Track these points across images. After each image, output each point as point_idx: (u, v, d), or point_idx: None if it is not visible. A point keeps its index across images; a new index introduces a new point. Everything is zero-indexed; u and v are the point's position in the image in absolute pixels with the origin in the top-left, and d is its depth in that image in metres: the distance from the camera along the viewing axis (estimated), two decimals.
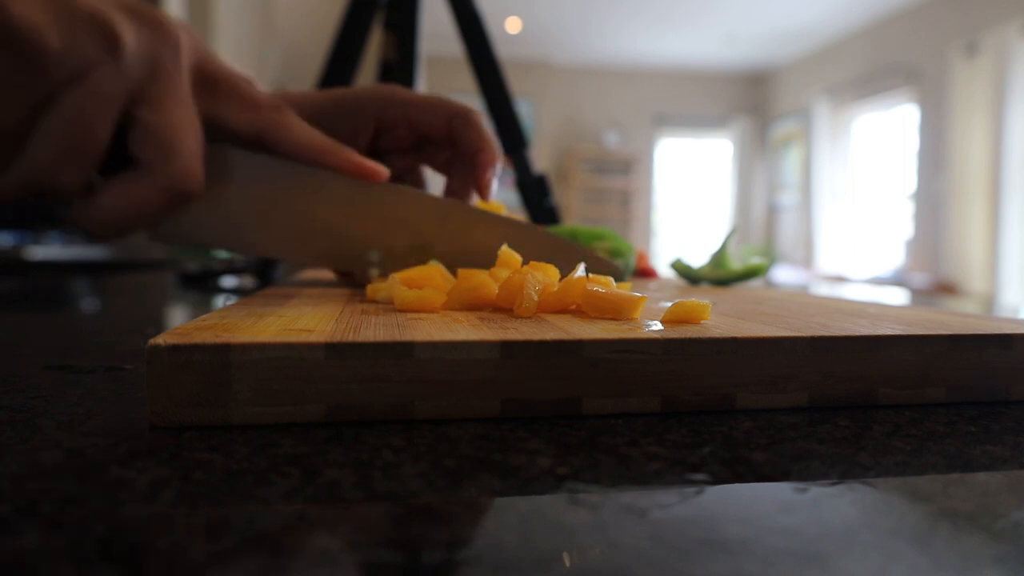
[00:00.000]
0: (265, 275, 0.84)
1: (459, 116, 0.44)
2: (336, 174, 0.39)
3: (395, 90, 0.45)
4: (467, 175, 0.46)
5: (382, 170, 0.39)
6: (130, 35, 0.30)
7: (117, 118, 0.31)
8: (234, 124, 0.36)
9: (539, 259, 0.40)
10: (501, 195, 4.77)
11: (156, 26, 0.31)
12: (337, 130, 0.44)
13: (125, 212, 0.32)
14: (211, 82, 0.35)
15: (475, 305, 0.30)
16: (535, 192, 0.91)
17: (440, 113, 0.45)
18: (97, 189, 0.32)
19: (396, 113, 0.44)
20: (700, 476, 0.17)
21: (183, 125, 0.32)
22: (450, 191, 0.46)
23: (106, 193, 0.32)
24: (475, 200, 0.47)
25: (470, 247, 0.42)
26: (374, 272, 0.41)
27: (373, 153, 0.46)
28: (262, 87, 0.38)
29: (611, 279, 0.30)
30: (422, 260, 0.41)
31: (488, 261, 0.40)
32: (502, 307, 0.30)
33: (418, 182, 0.48)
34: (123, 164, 0.32)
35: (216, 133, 0.37)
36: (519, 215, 0.50)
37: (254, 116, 0.37)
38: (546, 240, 0.44)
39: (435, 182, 0.50)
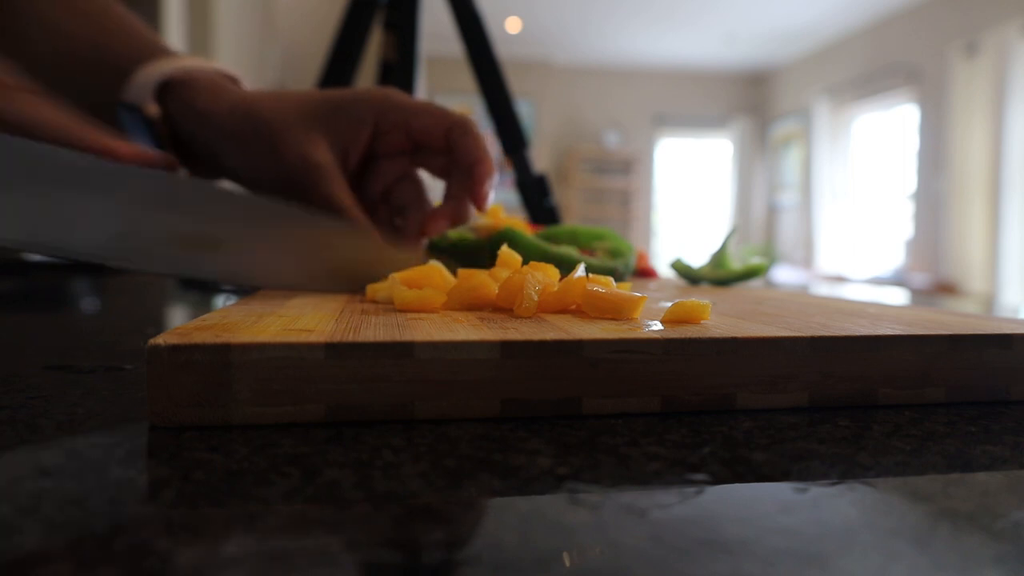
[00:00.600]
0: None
1: (457, 126, 0.44)
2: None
3: (394, 94, 0.45)
4: (464, 181, 0.45)
5: (136, 149, 0.36)
6: None
7: None
8: None
9: (346, 259, 0.38)
10: (501, 195, 4.77)
11: None
12: (334, 131, 0.44)
13: None
14: None
15: (475, 305, 0.30)
16: (535, 192, 0.91)
17: (438, 121, 0.44)
18: None
19: (394, 118, 0.44)
20: (700, 476, 0.17)
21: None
22: (449, 196, 0.46)
23: None
24: (473, 212, 0.46)
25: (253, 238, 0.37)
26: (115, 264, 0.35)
27: (368, 156, 0.46)
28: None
29: (610, 279, 0.30)
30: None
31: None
32: (502, 307, 0.30)
33: (415, 187, 0.48)
34: None
35: None
36: (519, 216, 0.49)
37: None
38: (347, 240, 0.40)
39: (433, 187, 0.50)
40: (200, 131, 0.45)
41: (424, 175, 0.48)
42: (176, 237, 0.35)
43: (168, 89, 0.45)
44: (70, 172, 0.33)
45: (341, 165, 0.45)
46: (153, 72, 0.44)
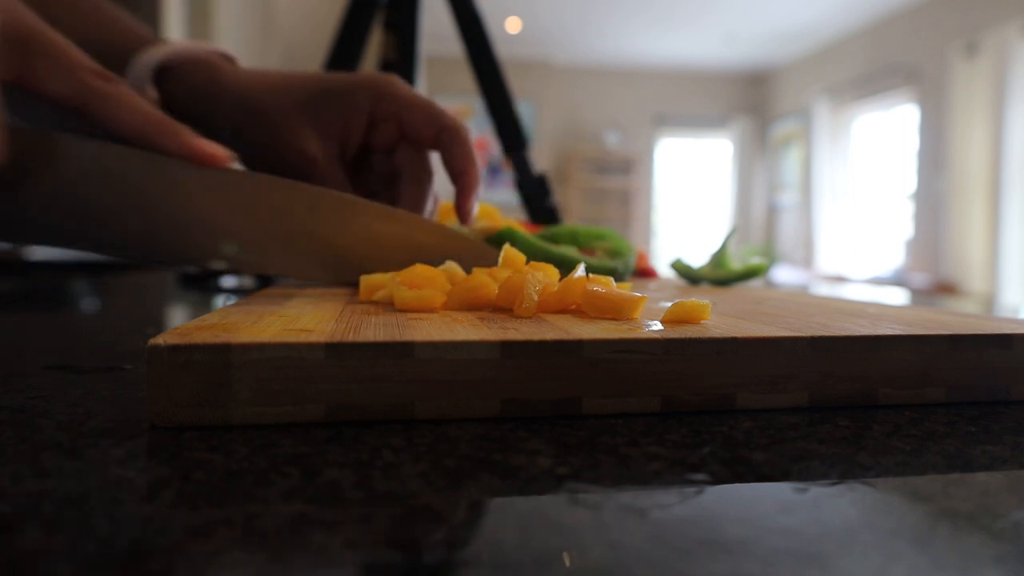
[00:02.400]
0: (265, 275, 0.84)
1: (448, 131, 0.44)
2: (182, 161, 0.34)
3: (391, 83, 0.44)
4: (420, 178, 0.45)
5: (223, 153, 0.35)
6: None
7: None
8: (51, 89, 0.32)
9: (434, 254, 0.39)
10: (501, 195, 4.77)
11: None
12: (331, 119, 0.44)
13: None
14: (21, 39, 0.31)
15: (475, 305, 0.30)
16: (535, 192, 0.91)
17: (431, 120, 0.44)
18: None
19: (388, 108, 0.44)
20: (700, 476, 0.17)
21: None
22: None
23: None
24: (454, 222, 0.46)
25: (351, 237, 0.39)
26: (220, 264, 0.37)
27: (364, 147, 0.46)
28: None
29: (610, 279, 0.30)
30: (292, 251, 0.37)
31: (371, 253, 0.38)
32: (502, 307, 0.30)
33: (424, 171, 0.46)
34: None
35: (29, 101, 0.33)
36: (517, 217, 0.49)
37: (75, 82, 0.32)
38: (441, 233, 0.41)
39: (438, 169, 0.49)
40: (200, 114, 0.45)
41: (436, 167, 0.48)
42: (277, 235, 0.37)
43: (167, 73, 0.45)
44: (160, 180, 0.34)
45: (339, 153, 0.44)
46: (151, 56, 0.44)
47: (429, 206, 0.46)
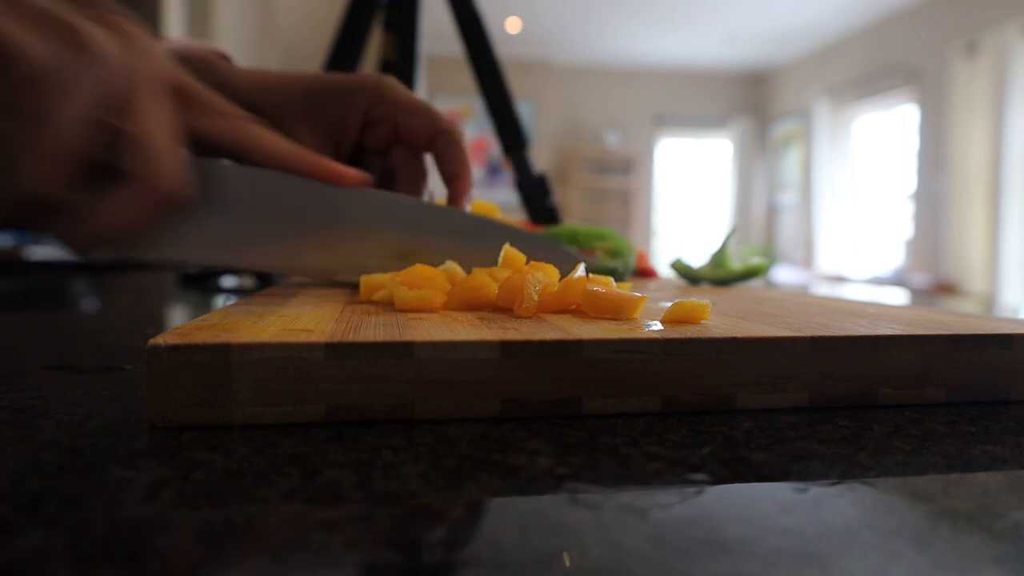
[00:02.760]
0: (265, 276, 0.84)
1: (444, 134, 0.44)
2: (320, 182, 0.38)
3: (388, 85, 0.44)
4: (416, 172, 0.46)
5: (359, 175, 0.39)
6: (104, 43, 0.29)
7: (93, 126, 0.30)
8: (213, 134, 0.37)
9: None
10: (501, 195, 4.77)
11: (130, 38, 0.31)
12: (327, 119, 0.44)
13: (112, 223, 0.31)
14: (186, 96, 0.36)
15: (475, 305, 0.30)
16: (535, 192, 0.91)
17: (427, 124, 0.44)
18: (82, 203, 0.31)
19: (384, 111, 0.44)
20: (700, 476, 0.17)
21: (165, 131, 0.32)
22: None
23: (93, 206, 0.31)
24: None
25: (466, 253, 0.41)
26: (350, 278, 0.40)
27: (358, 147, 0.46)
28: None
29: (610, 279, 0.30)
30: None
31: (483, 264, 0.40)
32: (502, 307, 0.30)
33: (419, 172, 0.47)
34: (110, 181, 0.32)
35: (194, 147, 0.37)
36: (517, 217, 0.49)
37: (230, 125, 0.37)
38: (541, 245, 0.43)
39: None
40: None
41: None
42: (397, 252, 0.40)
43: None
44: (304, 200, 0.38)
45: (334, 152, 0.44)
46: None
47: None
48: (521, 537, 0.14)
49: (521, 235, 0.43)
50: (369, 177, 0.39)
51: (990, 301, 2.35)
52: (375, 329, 0.24)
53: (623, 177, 6.13)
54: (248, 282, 0.82)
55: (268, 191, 0.38)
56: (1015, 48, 3.70)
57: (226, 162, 0.37)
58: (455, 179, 0.44)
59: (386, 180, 0.47)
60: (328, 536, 0.14)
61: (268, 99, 0.44)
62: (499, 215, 0.55)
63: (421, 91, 0.96)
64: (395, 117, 0.44)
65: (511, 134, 0.91)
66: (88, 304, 0.63)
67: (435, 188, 0.47)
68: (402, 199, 0.41)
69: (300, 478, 0.17)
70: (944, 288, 3.99)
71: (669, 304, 0.28)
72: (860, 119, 5.16)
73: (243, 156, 0.38)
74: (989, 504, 0.16)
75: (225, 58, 0.47)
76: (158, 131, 0.31)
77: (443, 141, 0.44)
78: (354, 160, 0.47)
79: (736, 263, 0.59)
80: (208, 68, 0.45)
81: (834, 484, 0.17)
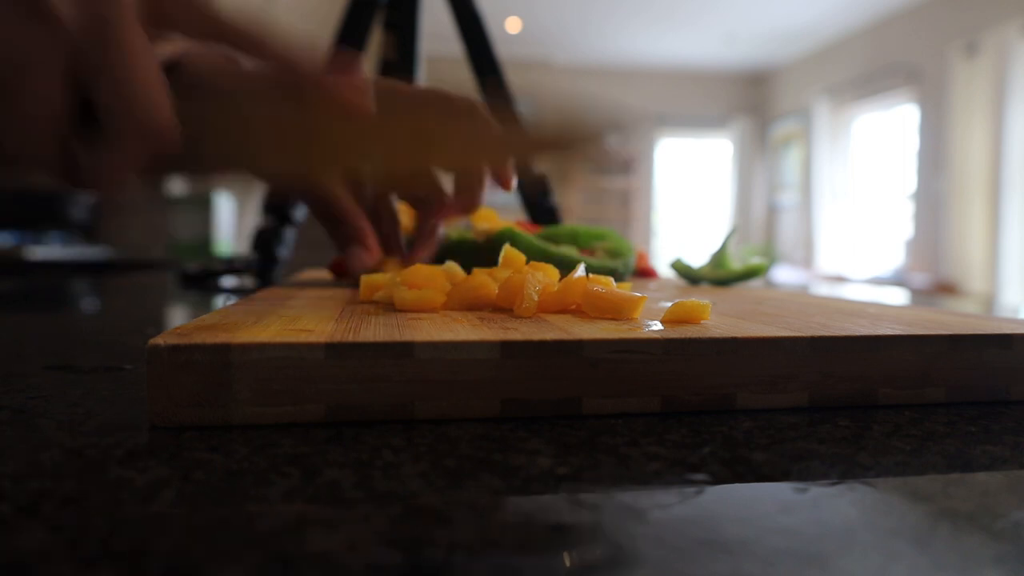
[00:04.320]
0: (265, 275, 0.84)
1: (460, 111, 0.43)
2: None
3: (394, 86, 0.44)
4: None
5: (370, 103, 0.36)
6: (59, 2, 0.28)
7: (69, 87, 0.29)
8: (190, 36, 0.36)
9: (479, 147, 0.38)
10: (502, 195, 4.76)
11: None
12: None
13: (106, 172, 0.30)
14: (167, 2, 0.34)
15: (475, 305, 0.30)
16: (535, 192, 0.91)
17: (440, 106, 0.44)
18: (77, 152, 0.30)
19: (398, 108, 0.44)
20: (700, 476, 0.17)
21: (140, 78, 0.30)
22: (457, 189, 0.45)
23: (89, 154, 0.30)
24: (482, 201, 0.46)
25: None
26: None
27: None
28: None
29: (610, 279, 0.30)
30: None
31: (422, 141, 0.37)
32: (502, 307, 0.30)
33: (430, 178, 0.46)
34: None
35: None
36: (517, 217, 0.49)
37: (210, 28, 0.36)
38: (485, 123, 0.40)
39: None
40: (204, 110, 0.45)
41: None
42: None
43: (171, 70, 0.45)
44: None
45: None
46: (158, 54, 0.44)
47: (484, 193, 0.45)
48: (521, 537, 0.14)
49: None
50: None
51: (990, 301, 2.35)
52: (375, 329, 0.24)
53: (623, 177, 6.13)
54: (248, 282, 0.82)
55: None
56: (1015, 48, 3.70)
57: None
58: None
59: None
60: (328, 536, 0.14)
61: None
62: (496, 220, 0.55)
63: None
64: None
65: None
66: (88, 304, 0.63)
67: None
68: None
69: (300, 478, 0.17)
70: (944, 288, 3.99)
71: (669, 304, 0.28)
72: (860, 119, 5.16)
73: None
74: (989, 504, 0.16)
75: (234, 61, 0.47)
76: (137, 76, 0.30)
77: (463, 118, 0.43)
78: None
79: (736, 263, 0.59)
80: (217, 68, 0.45)
81: (834, 484, 0.17)
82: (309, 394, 0.21)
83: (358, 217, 0.43)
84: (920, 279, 4.23)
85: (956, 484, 0.17)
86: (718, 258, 0.58)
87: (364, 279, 0.34)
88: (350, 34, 0.89)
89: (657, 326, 0.25)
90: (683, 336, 0.23)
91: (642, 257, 0.66)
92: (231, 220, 2.78)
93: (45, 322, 0.49)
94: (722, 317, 0.29)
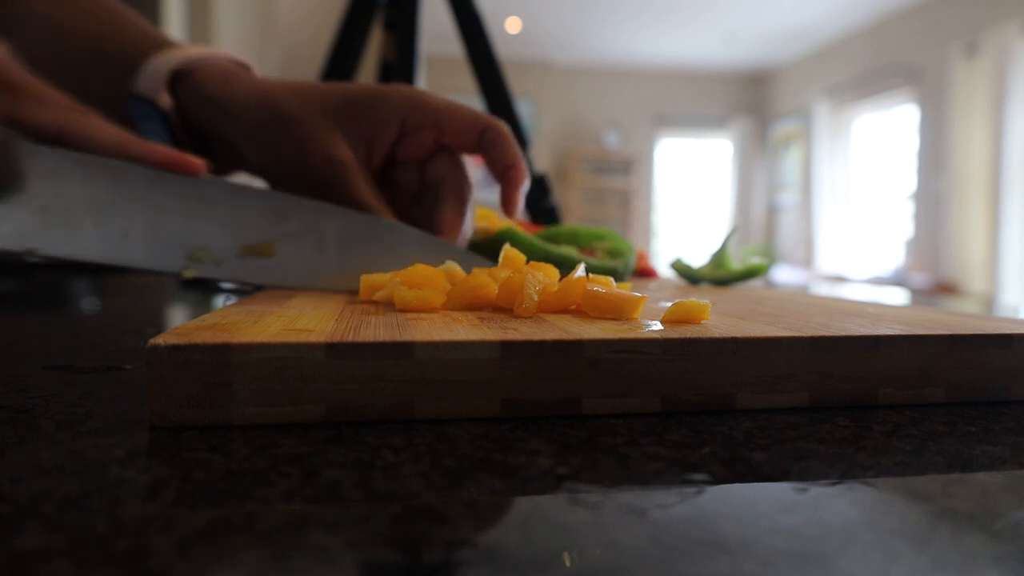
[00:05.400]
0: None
1: (491, 129, 0.43)
2: (160, 172, 0.37)
3: (423, 94, 0.44)
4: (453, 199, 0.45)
5: (197, 162, 0.37)
6: None
7: None
8: (39, 122, 0.36)
9: (401, 260, 0.39)
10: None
11: None
12: (358, 130, 0.43)
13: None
14: (6, 84, 0.36)
15: (475, 305, 0.30)
16: (535, 192, 0.91)
17: (472, 124, 0.43)
18: None
19: (425, 118, 0.43)
20: (700, 476, 0.17)
21: None
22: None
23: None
24: (501, 216, 0.46)
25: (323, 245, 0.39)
26: (190, 273, 0.37)
27: (390, 160, 0.45)
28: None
29: (610, 279, 0.30)
30: (262, 258, 0.38)
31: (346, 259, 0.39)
32: (502, 307, 0.30)
33: (464, 181, 0.45)
34: None
35: (16, 134, 0.36)
36: (517, 217, 0.49)
37: (55, 115, 0.36)
38: (407, 237, 0.41)
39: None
40: (216, 121, 0.44)
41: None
42: (244, 248, 0.38)
43: (180, 79, 0.44)
44: (139, 184, 0.37)
45: (364, 164, 0.44)
46: (163, 62, 0.44)
47: (470, 217, 0.45)
48: (521, 537, 0.14)
49: (390, 229, 0.41)
50: (206, 165, 0.38)
51: (990, 301, 2.35)
52: (375, 329, 0.24)
53: (623, 177, 6.13)
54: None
55: (91, 177, 0.36)
56: (1015, 48, 3.70)
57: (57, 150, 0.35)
58: (510, 170, 0.43)
59: (425, 196, 0.46)
60: (328, 536, 0.14)
61: (296, 104, 0.43)
62: (496, 220, 0.55)
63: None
64: (438, 121, 0.43)
65: None
66: (88, 304, 0.63)
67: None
68: (247, 188, 0.39)
69: (300, 478, 0.17)
70: (944, 288, 3.99)
71: (669, 304, 0.28)
72: (860, 119, 5.16)
73: (71, 144, 0.36)
74: (989, 504, 0.16)
75: (244, 67, 0.47)
76: None
77: (491, 136, 0.43)
78: (382, 177, 0.46)
79: (736, 263, 0.59)
80: (225, 76, 0.44)
81: (834, 484, 0.17)
82: (309, 394, 0.21)
83: (381, 208, 0.43)
84: (920, 279, 4.23)
85: (956, 484, 0.17)
86: (718, 258, 0.58)
87: (364, 279, 0.34)
88: (350, 34, 0.89)
89: (657, 326, 0.25)
90: (683, 336, 0.23)
91: (642, 257, 0.66)
92: None
93: (45, 322, 0.49)
94: (722, 317, 0.29)
